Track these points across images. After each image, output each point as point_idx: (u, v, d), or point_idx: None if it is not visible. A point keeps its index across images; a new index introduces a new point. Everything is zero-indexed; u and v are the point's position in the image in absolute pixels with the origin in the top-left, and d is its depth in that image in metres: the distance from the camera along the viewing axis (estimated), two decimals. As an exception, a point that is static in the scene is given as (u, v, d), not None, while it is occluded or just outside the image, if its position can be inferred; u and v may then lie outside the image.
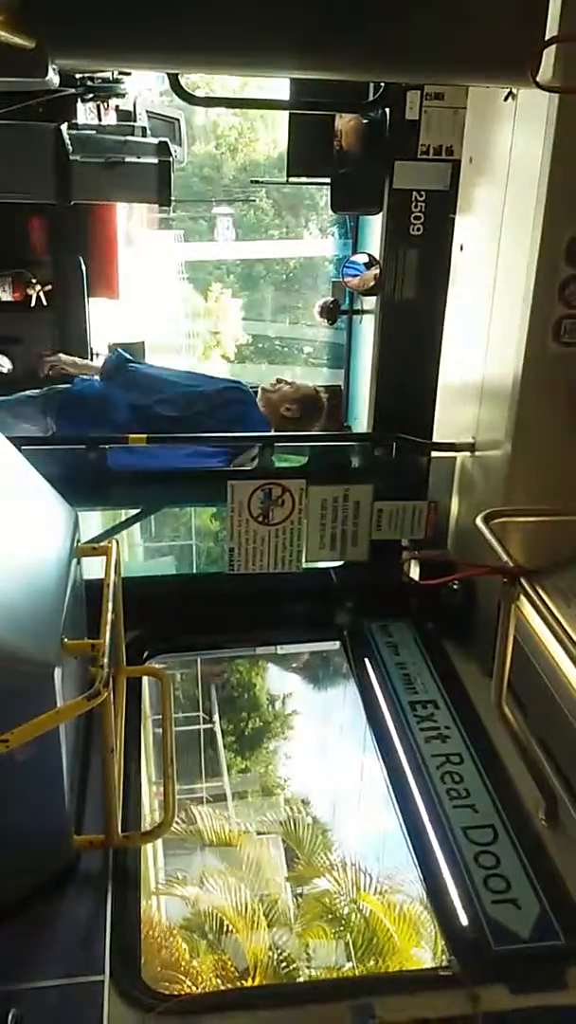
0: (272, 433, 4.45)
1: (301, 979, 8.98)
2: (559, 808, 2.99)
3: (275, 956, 8.95)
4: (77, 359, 4.62)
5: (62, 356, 4.62)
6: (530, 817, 3.01)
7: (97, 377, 4.56)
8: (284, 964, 8.98)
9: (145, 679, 3.71)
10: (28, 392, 4.58)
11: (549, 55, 2.73)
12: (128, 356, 4.61)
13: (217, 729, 17.35)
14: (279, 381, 4.66)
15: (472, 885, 2.78)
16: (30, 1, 2.36)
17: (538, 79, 2.68)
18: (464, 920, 2.69)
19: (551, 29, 2.71)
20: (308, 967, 9.08)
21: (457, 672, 3.80)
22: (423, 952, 8.46)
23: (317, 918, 9.69)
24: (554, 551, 3.07)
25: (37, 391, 4.56)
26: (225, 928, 9.05)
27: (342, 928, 9.48)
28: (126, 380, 4.40)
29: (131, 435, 3.86)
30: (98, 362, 5.51)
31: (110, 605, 2.62)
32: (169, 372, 4.74)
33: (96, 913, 2.53)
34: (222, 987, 8.55)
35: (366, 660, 3.92)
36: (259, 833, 11.77)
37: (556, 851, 2.89)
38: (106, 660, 2.38)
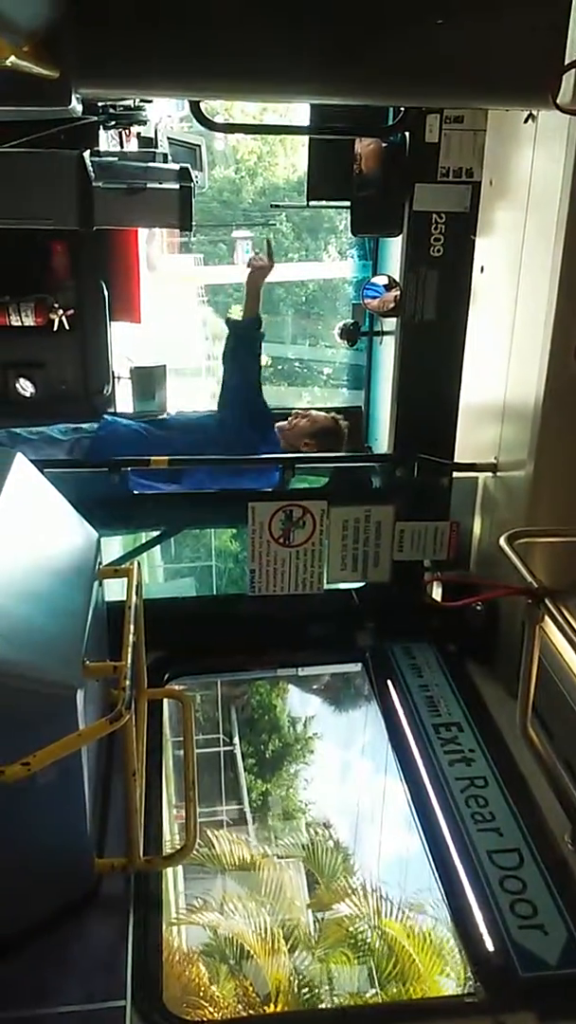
0: (293, 455, 4.45)
1: (323, 1005, 8.88)
2: (586, 832, 2.95)
3: (297, 982, 8.85)
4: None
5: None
6: (556, 841, 2.97)
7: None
8: (306, 990, 8.88)
9: (166, 702, 3.70)
10: (54, 432, 4.59)
11: (569, 78, 2.74)
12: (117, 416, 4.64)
13: (237, 751, 17.29)
14: (295, 416, 4.66)
15: (498, 910, 2.75)
16: (54, 32, 2.41)
17: (559, 102, 2.70)
18: (490, 946, 2.66)
19: (571, 53, 2.73)
20: (331, 993, 8.98)
21: (481, 694, 3.77)
22: (448, 979, 8.34)
23: (339, 943, 9.58)
24: (579, 572, 3.06)
25: (62, 429, 4.56)
26: (246, 953, 8.97)
27: (365, 954, 9.37)
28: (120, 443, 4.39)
29: (153, 458, 3.88)
30: (121, 387, 5.55)
31: (132, 627, 2.62)
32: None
33: (118, 937, 2.52)
34: (243, 1013, 8.46)
35: (389, 682, 3.89)
36: (280, 857, 11.67)
37: (583, 876, 2.86)
38: (128, 682, 2.38)
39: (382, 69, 2.72)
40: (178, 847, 2.83)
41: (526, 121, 3.39)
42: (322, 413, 4.73)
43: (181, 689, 3.75)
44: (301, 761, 17.68)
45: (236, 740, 17.40)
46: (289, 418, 4.66)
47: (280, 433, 4.60)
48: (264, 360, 4.69)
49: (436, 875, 2.97)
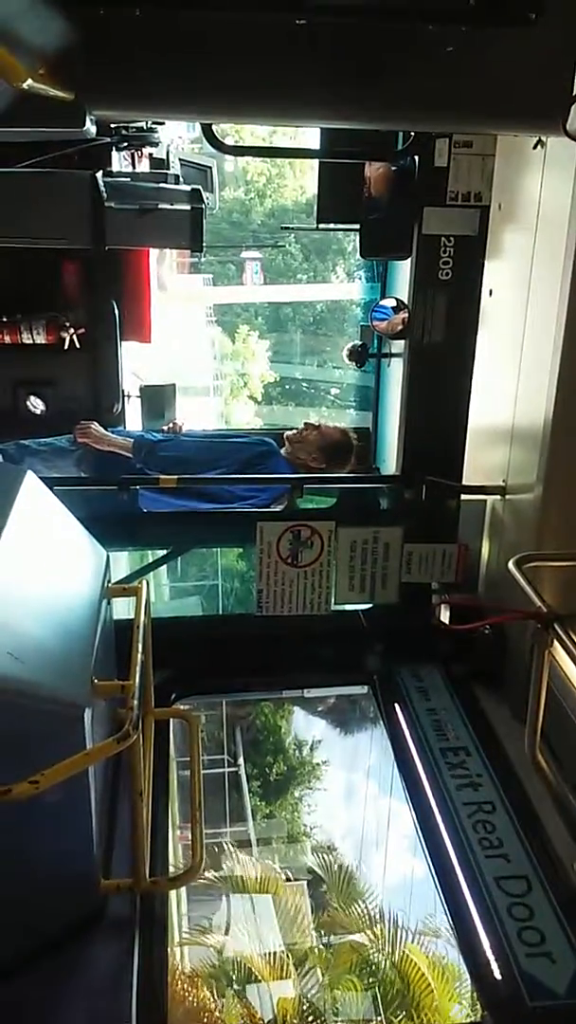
0: (301, 475, 4.46)
1: (328, 1031, 8.80)
2: (594, 859, 2.93)
3: (302, 1007, 8.77)
4: (108, 434, 4.58)
5: (95, 427, 4.57)
6: (565, 868, 2.94)
7: (130, 455, 4.52)
8: (311, 1016, 8.79)
9: (172, 721, 3.68)
10: (62, 442, 4.61)
11: (578, 104, 2.76)
12: (156, 438, 4.63)
13: (242, 773, 17.20)
14: (306, 427, 4.67)
15: (506, 938, 2.71)
16: (69, 55, 2.44)
17: (568, 128, 2.72)
18: (498, 974, 2.62)
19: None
20: (336, 1019, 8.89)
21: (489, 718, 3.75)
22: (453, 1005, 8.25)
23: (343, 968, 9.50)
24: (588, 596, 3.04)
25: (70, 441, 4.59)
26: (251, 976, 8.90)
27: (371, 979, 9.29)
28: (160, 462, 4.39)
29: (162, 476, 3.89)
30: (131, 405, 5.58)
31: (140, 646, 2.62)
32: (199, 444, 4.69)
33: (123, 959, 2.50)
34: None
35: (396, 705, 3.88)
36: (285, 880, 11.59)
37: (592, 904, 2.83)
38: (136, 702, 2.37)
39: (392, 95, 2.75)
40: (183, 868, 2.81)
41: (535, 147, 3.41)
42: (333, 426, 4.74)
43: (187, 709, 3.74)
44: (306, 785, 17.59)
45: (241, 761, 17.32)
46: (299, 429, 4.67)
47: (288, 442, 4.61)
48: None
49: (443, 901, 2.95)
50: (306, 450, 4.56)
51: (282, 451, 4.60)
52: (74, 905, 2.56)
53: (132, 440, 4.54)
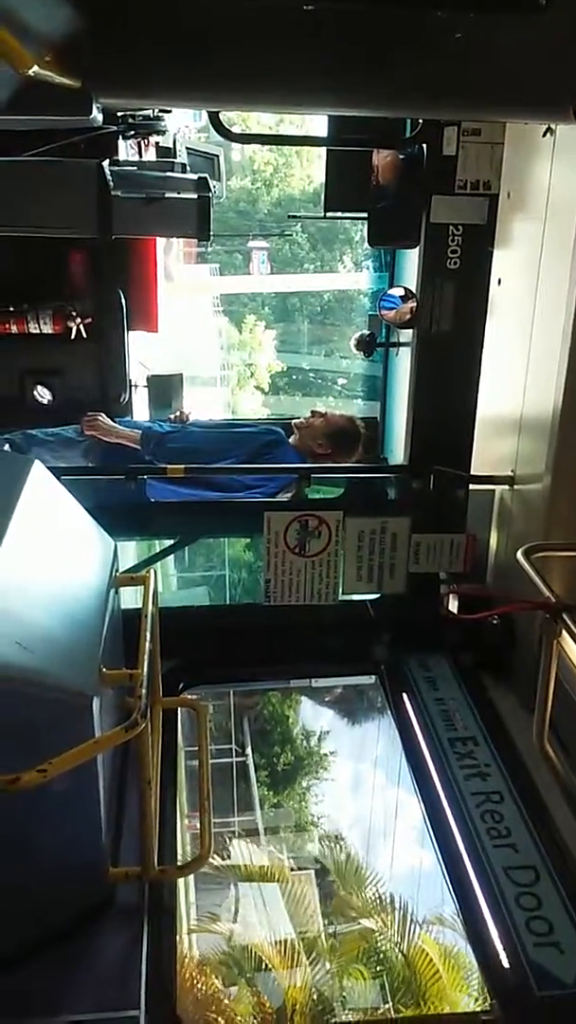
0: (308, 465, 4.46)
1: (337, 1020, 8.83)
2: (603, 849, 2.92)
3: (311, 995, 8.80)
4: (116, 426, 4.58)
5: (103, 419, 4.56)
6: (573, 858, 2.94)
7: (138, 447, 4.51)
8: (320, 1005, 8.82)
9: (180, 711, 3.69)
10: (69, 432, 4.61)
11: (589, 91, 2.73)
12: (164, 428, 4.62)
13: (250, 763, 17.25)
14: (313, 414, 4.66)
15: (514, 927, 2.72)
16: (76, 43, 2.42)
17: (578, 114, 2.69)
18: (506, 963, 2.63)
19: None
20: (344, 1007, 8.92)
21: (497, 708, 3.75)
22: (462, 996, 8.27)
23: (352, 957, 9.53)
24: (597, 586, 3.04)
25: (77, 429, 4.59)
26: (260, 965, 8.93)
27: (379, 968, 9.31)
28: (168, 454, 4.38)
29: (170, 466, 3.88)
30: (138, 395, 5.57)
31: (148, 635, 2.62)
32: (207, 435, 4.68)
33: (132, 947, 2.51)
34: (256, 1026, 8.42)
35: (404, 695, 3.87)
36: (293, 870, 11.62)
37: (600, 894, 2.83)
38: (144, 691, 2.37)
39: (399, 82, 2.72)
40: (192, 857, 2.82)
41: (544, 135, 3.39)
42: (340, 414, 4.73)
43: (195, 698, 3.74)
44: (314, 775, 17.64)
45: (248, 751, 17.37)
46: (306, 416, 4.67)
47: (296, 430, 4.60)
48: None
49: (451, 890, 2.95)
50: (312, 437, 4.56)
51: (290, 439, 4.59)
52: (83, 893, 2.57)
53: (140, 432, 4.54)
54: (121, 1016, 2.34)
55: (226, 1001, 8.37)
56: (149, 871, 2.60)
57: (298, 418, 4.74)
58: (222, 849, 11.11)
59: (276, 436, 4.56)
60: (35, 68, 2.07)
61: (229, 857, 11.09)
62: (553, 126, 3.32)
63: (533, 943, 2.66)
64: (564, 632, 2.70)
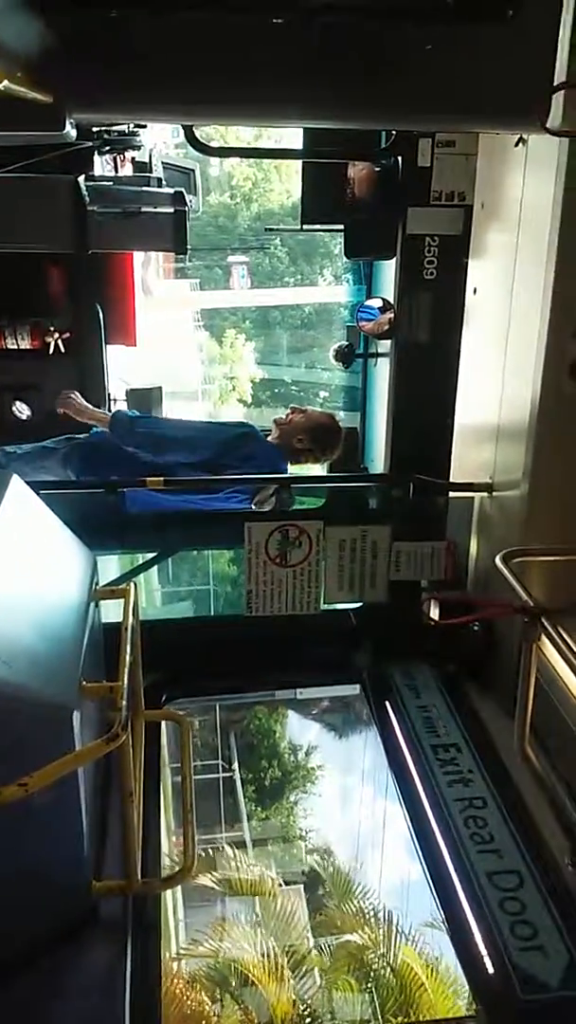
0: (289, 475, 4.47)
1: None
2: (586, 853, 2.93)
3: (299, 1010, 8.77)
4: (89, 406, 4.63)
5: (77, 397, 4.62)
6: (556, 862, 2.95)
7: (107, 430, 4.54)
8: (308, 1018, 8.79)
9: (164, 725, 3.68)
10: (47, 443, 4.62)
11: (558, 101, 2.78)
12: (135, 414, 4.64)
13: (237, 777, 17.19)
14: (293, 410, 4.69)
15: (499, 932, 2.72)
16: (48, 58, 2.44)
17: (547, 124, 2.73)
18: (490, 968, 2.63)
19: (559, 75, 2.76)
20: (332, 1018, 8.89)
21: (479, 714, 3.76)
22: (447, 1000, 8.26)
23: (340, 969, 9.50)
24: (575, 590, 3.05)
25: (55, 441, 4.60)
26: (246, 980, 8.89)
27: (368, 980, 9.29)
28: (135, 437, 4.40)
29: (149, 479, 3.88)
30: (116, 407, 5.57)
31: (128, 647, 2.62)
32: (177, 424, 4.73)
33: (115, 962, 2.50)
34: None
35: (387, 703, 3.88)
36: (281, 884, 11.58)
37: (583, 897, 2.83)
38: (124, 703, 2.37)
39: (371, 94, 2.75)
40: (177, 870, 2.81)
41: (517, 144, 3.43)
42: (319, 410, 4.76)
43: (179, 711, 3.73)
44: (302, 789, 17.60)
45: (235, 766, 17.31)
46: (286, 413, 4.69)
47: (275, 425, 4.62)
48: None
49: (436, 897, 2.95)
50: (293, 433, 4.57)
51: (269, 437, 4.61)
52: (66, 907, 2.55)
53: (111, 414, 4.56)
54: None
55: (214, 1017, 8.32)
56: (132, 884, 2.59)
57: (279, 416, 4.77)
58: (210, 865, 11.07)
59: (249, 428, 4.57)
60: (6, 83, 2.08)
61: (217, 873, 11.04)
62: (525, 136, 3.36)
63: (518, 947, 2.66)
64: (543, 636, 2.72)
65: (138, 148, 5.45)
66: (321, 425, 4.65)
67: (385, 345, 4.91)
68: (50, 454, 4.54)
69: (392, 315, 4.56)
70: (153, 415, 4.75)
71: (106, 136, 5.09)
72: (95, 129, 4.93)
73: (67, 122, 2.63)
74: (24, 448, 4.62)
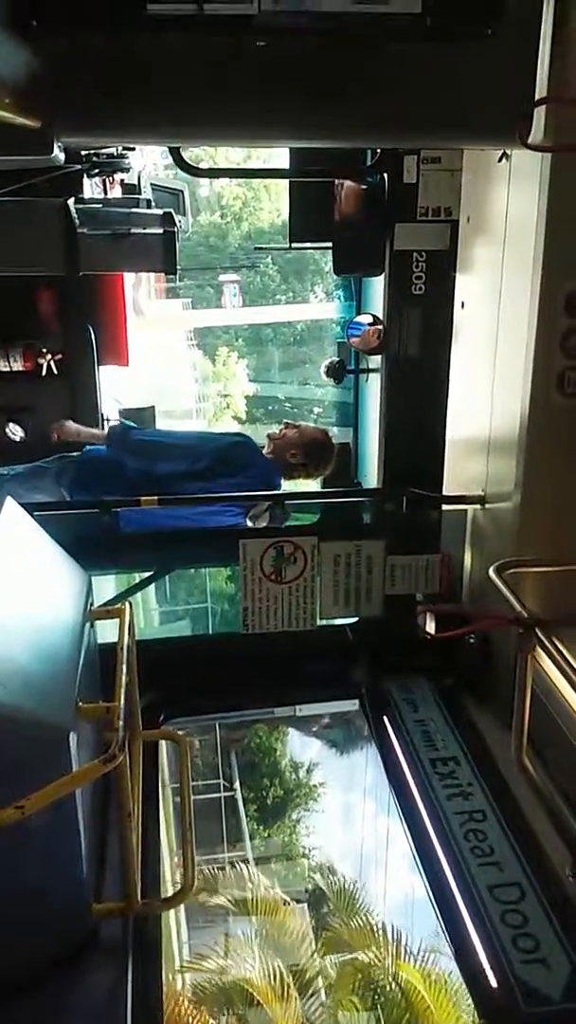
0: (283, 492, 4.49)
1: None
2: (586, 863, 2.92)
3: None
4: (83, 428, 4.71)
5: (69, 423, 4.70)
6: (557, 874, 2.94)
7: (104, 446, 4.61)
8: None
9: (163, 745, 3.67)
10: (40, 462, 4.65)
11: (539, 116, 2.81)
12: (131, 424, 4.70)
13: (238, 796, 17.13)
14: (286, 426, 4.73)
15: (500, 945, 2.71)
16: (35, 83, 2.47)
17: (529, 140, 2.76)
18: (493, 982, 2.62)
19: (540, 91, 2.80)
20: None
21: (477, 726, 3.76)
22: (450, 1016, 8.20)
23: (345, 988, 9.43)
24: (570, 601, 3.06)
25: (48, 460, 4.63)
26: (252, 1000, 8.82)
27: (374, 998, 9.22)
28: (131, 447, 4.46)
29: (143, 498, 3.89)
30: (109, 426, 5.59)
31: (124, 667, 2.62)
32: (173, 434, 4.80)
33: (116, 985, 2.48)
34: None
35: (385, 718, 3.88)
36: (285, 903, 11.52)
37: (585, 908, 2.82)
38: (121, 723, 2.37)
39: (352, 114, 2.78)
40: (178, 890, 2.80)
41: (500, 160, 3.47)
42: (312, 426, 4.79)
43: (178, 731, 3.72)
44: (304, 807, 17.53)
45: (237, 785, 17.25)
46: (279, 428, 4.72)
47: (269, 440, 4.65)
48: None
49: (437, 911, 2.94)
50: (286, 448, 4.61)
51: (263, 451, 4.64)
52: (66, 930, 2.54)
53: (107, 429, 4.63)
54: None
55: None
56: (132, 905, 2.58)
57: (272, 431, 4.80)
58: (213, 885, 11.00)
59: (243, 438, 4.61)
60: (-8, 109, 2.11)
61: (220, 893, 10.98)
62: (508, 151, 3.39)
63: (520, 960, 2.65)
64: (538, 647, 2.73)
65: (127, 170, 5.50)
66: (315, 440, 4.69)
67: (376, 361, 4.94)
68: (43, 473, 4.56)
69: (380, 329, 4.59)
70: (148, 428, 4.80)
71: (95, 159, 5.13)
72: (84, 152, 4.97)
73: (55, 146, 2.66)
74: (17, 469, 4.64)
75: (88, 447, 4.69)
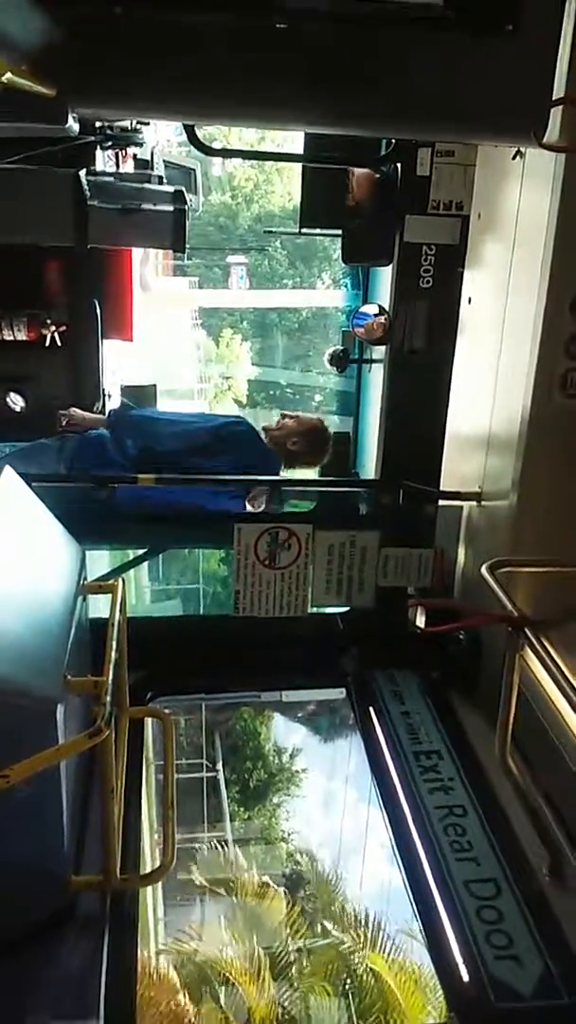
0: (279, 478, 4.49)
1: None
2: (563, 863, 2.93)
3: (276, 1011, 8.77)
4: (88, 414, 4.73)
5: (75, 410, 4.73)
6: (534, 871, 2.95)
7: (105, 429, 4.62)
8: (286, 1020, 8.79)
9: (149, 724, 3.68)
10: (42, 440, 4.66)
11: (556, 115, 2.79)
12: (130, 404, 4.71)
13: (221, 778, 17.20)
14: (283, 416, 4.73)
15: (474, 940, 2.72)
16: (52, 52, 2.45)
17: (545, 139, 2.75)
18: (465, 976, 2.63)
19: (558, 90, 2.78)
20: (309, 1021, 8.90)
21: (462, 723, 3.77)
22: (427, 1010, 8.27)
23: (318, 972, 9.50)
24: (560, 602, 3.07)
25: (50, 439, 4.63)
26: (225, 980, 8.89)
27: (344, 983, 9.30)
28: (130, 425, 4.47)
29: (141, 475, 3.89)
30: (111, 404, 5.59)
31: (114, 643, 2.62)
32: (171, 414, 4.82)
33: (91, 958, 2.49)
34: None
35: (371, 709, 3.88)
36: (263, 886, 11.58)
37: (560, 907, 2.83)
38: (108, 698, 2.37)
39: (369, 103, 2.77)
40: (157, 866, 2.81)
41: (514, 158, 3.45)
42: (309, 415, 4.80)
43: (164, 710, 3.73)
44: (285, 792, 17.60)
45: (220, 766, 17.31)
46: (276, 420, 4.72)
47: (268, 434, 4.66)
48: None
49: (413, 904, 2.95)
50: (286, 436, 4.62)
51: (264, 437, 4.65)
52: (43, 901, 2.55)
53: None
54: None
55: (192, 1018, 8.31)
56: (111, 880, 2.59)
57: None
58: (191, 865, 11.06)
59: (240, 419, 4.63)
60: (9, 75, 2.09)
61: (199, 873, 11.04)
62: (522, 149, 3.38)
63: (493, 956, 2.67)
64: (526, 646, 2.74)
65: (140, 145, 5.46)
66: (314, 428, 4.70)
67: (380, 351, 4.93)
68: (45, 449, 4.56)
69: (384, 319, 4.58)
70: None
71: (108, 131, 5.10)
72: (98, 124, 4.94)
73: (70, 116, 2.65)
74: (19, 445, 4.64)
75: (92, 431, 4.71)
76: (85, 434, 4.63)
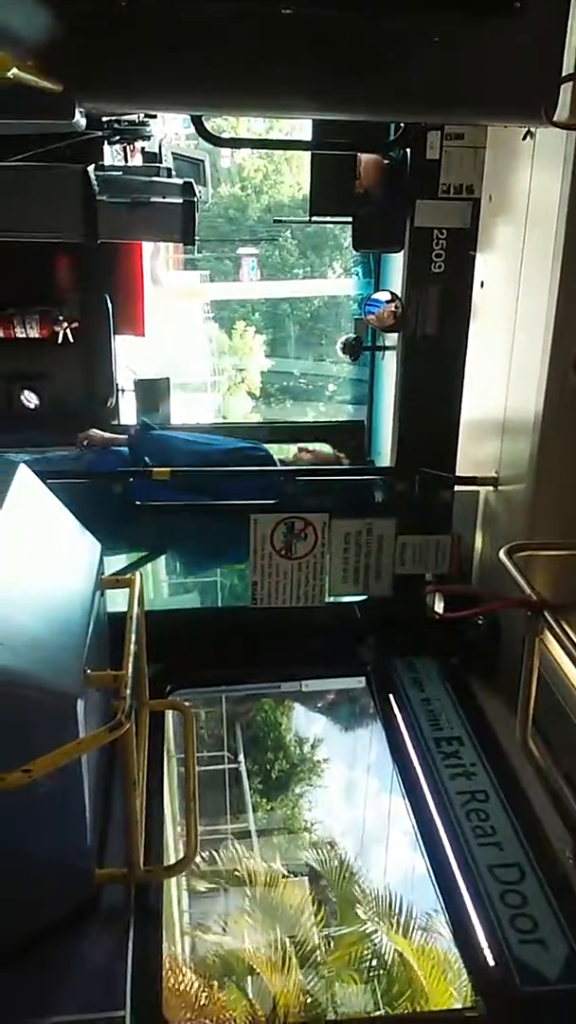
0: (295, 467, 4.48)
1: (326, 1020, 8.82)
2: (587, 846, 2.94)
3: (302, 1000, 8.79)
4: (107, 434, 4.71)
5: (94, 431, 4.71)
6: (557, 855, 2.95)
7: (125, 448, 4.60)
8: (311, 1010, 8.81)
9: (169, 716, 3.69)
10: (62, 452, 4.67)
11: (565, 94, 2.76)
12: (148, 423, 4.70)
13: (243, 769, 17.22)
14: (301, 450, 4.76)
15: (499, 925, 2.73)
16: (58, 47, 2.44)
17: (554, 118, 2.72)
18: (491, 960, 2.64)
19: (567, 69, 2.75)
20: (335, 1011, 8.91)
21: (482, 708, 3.76)
22: (454, 997, 8.26)
23: (344, 961, 9.51)
24: (580, 585, 3.06)
25: (73, 455, 4.64)
26: (250, 970, 8.91)
27: (371, 972, 9.31)
28: (148, 444, 4.45)
29: (155, 468, 3.89)
30: (125, 399, 5.58)
31: (133, 637, 2.63)
32: (190, 435, 4.78)
33: (117, 949, 2.51)
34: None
35: (391, 696, 3.89)
36: (286, 875, 11.59)
37: (584, 891, 2.84)
38: (128, 692, 2.38)
39: (378, 86, 2.75)
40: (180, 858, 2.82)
41: (524, 138, 3.42)
42: (325, 448, 4.78)
43: (184, 702, 3.74)
44: (307, 782, 17.61)
45: (241, 758, 17.34)
46: (293, 455, 4.72)
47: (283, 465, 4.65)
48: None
49: (437, 889, 2.96)
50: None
51: None
52: (69, 894, 2.57)
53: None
54: (106, 1017, 2.34)
55: (216, 1005, 8.34)
56: (135, 872, 2.61)
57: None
58: (214, 856, 11.09)
59: (258, 445, 4.59)
60: (14, 71, 2.08)
61: (222, 864, 11.06)
62: (532, 130, 3.35)
63: (518, 940, 2.68)
64: (546, 630, 2.73)
65: (148, 138, 5.43)
66: (326, 461, 4.69)
67: (393, 338, 4.90)
68: (64, 463, 4.57)
69: (396, 306, 4.55)
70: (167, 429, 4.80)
71: (116, 126, 5.08)
72: (105, 119, 4.92)
73: (77, 111, 2.64)
74: (37, 456, 4.65)
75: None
76: (106, 451, 4.62)
